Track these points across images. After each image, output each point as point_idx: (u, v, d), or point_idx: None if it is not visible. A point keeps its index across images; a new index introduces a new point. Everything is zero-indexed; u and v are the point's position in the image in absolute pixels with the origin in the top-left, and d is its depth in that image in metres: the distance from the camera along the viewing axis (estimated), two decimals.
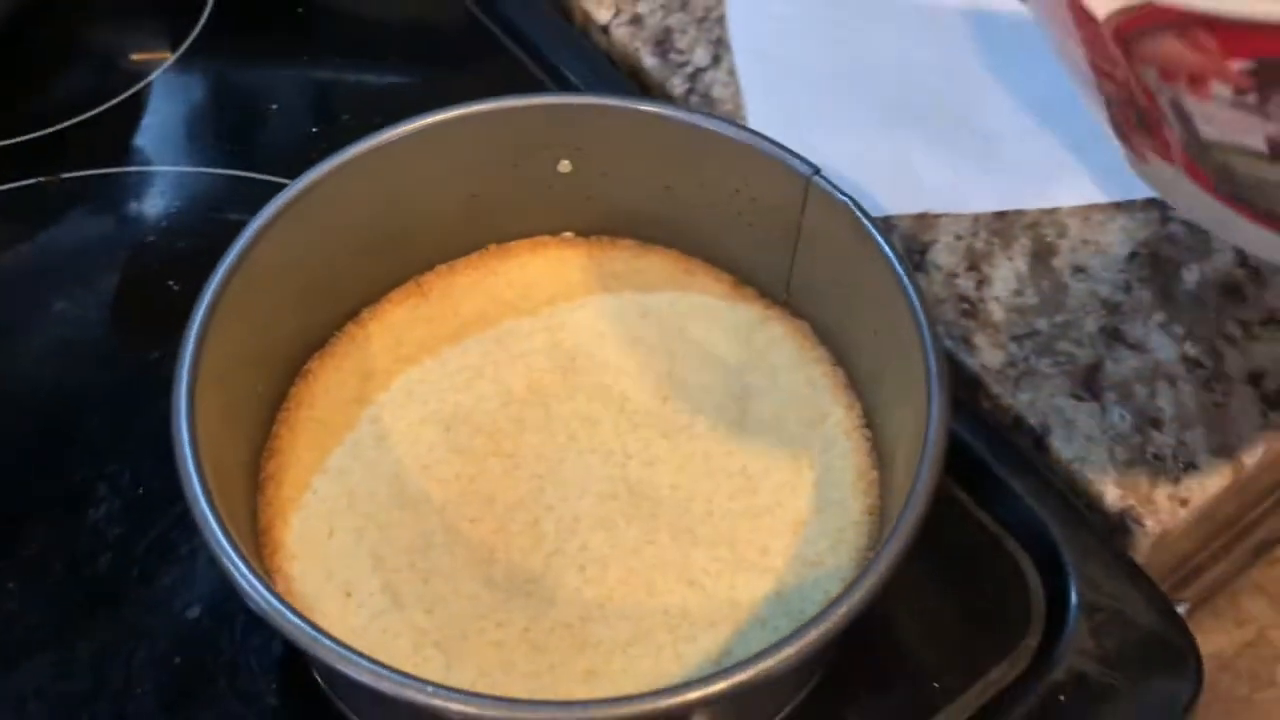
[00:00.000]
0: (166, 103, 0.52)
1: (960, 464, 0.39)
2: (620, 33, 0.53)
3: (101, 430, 0.41)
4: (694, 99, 0.50)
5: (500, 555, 0.35)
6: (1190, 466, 0.40)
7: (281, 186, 0.48)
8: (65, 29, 0.54)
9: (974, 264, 0.45)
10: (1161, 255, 0.45)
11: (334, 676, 0.34)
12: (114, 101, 0.51)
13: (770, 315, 0.40)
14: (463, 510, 0.36)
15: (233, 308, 0.34)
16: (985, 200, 0.47)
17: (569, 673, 0.33)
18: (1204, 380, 0.42)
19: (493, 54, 0.53)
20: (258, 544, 0.35)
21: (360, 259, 0.39)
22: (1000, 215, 0.47)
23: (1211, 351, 0.43)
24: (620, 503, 0.36)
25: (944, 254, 0.46)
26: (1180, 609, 0.38)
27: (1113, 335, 0.43)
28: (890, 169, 0.48)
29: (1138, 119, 0.29)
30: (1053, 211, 0.47)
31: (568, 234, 0.42)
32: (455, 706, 0.26)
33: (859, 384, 0.38)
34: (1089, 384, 0.42)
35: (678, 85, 0.51)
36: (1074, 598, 0.37)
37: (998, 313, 0.44)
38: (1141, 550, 0.40)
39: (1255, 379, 0.42)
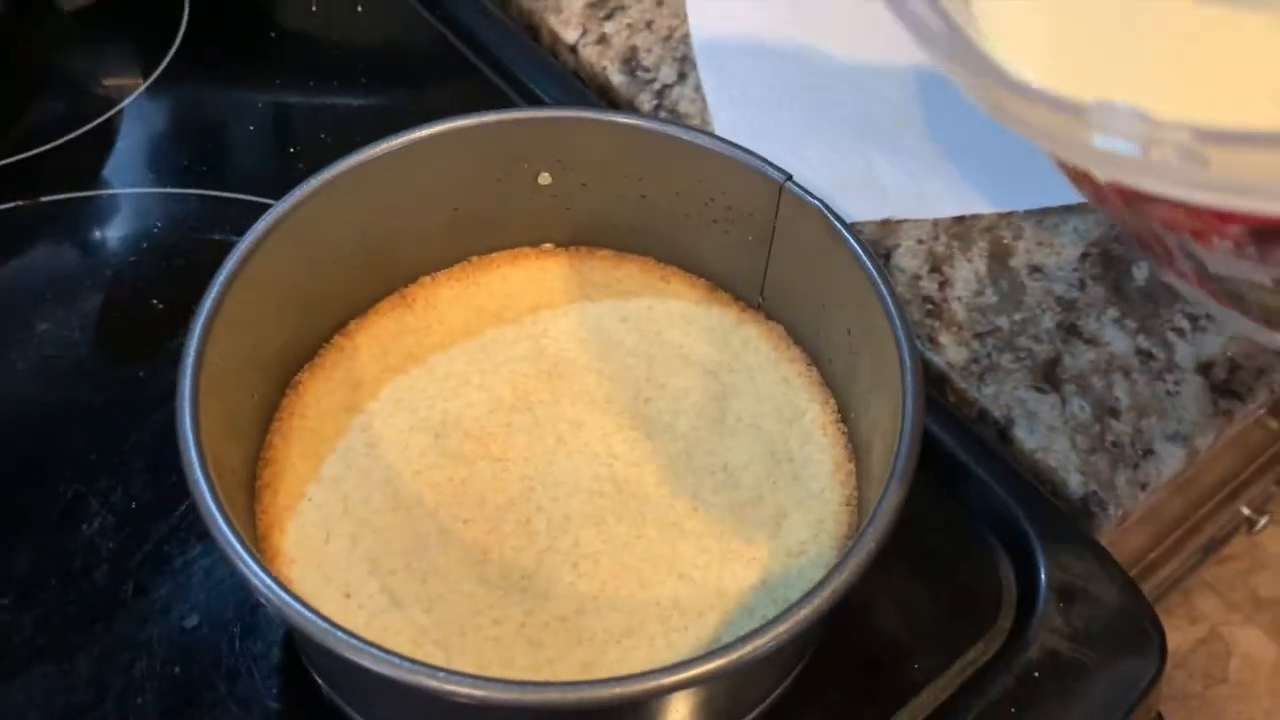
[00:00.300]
0: (144, 126, 0.53)
1: (931, 456, 0.40)
2: (588, 52, 0.54)
3: (91, 447, 0.42)
4: (662, 114, 0.52)
5: (494, 554, 0.36)
6: (1148, 452, 0.42)
7: (261, 206, 0.49)
8: (41, 56, 0.55)
9: (936, 266, 0.47)
10: (1112, 254, 0.47)
11: (340, 673, 0.35)
12: (91, 125, 0.52)
13: (745, 318, 0.42)
14: (455, 512, 0.37)
15: (228, 321, 0.35)
16: (945, 206, 0.49)
17: (566, 664, 0.34)
18: (1157, 371, 0.44)
19: (463, 74, 0.55)
20: (257, 550, 0.35)
21: (347, 272, 0.40)
22: (959, 219, 0.49)
23: (1163, 344, 0.45)
24: (609, 500, 0.37)
25: (907, 257, 0.48)
26: None
27: (1069, 330, 0.45)
28: (853, 178, 0.50)
29: (1149, 248, 0.31)
30: (1008, 215, 0.49)
31: (547, 245, 0.43)
32: (465, 690, 0.27)
33: (833, 381, 0.40)
34: (1049, 377, 0.44)
35: (646, 101, 0.52)
36: (1043, 579, 0.39)
37: (960, 312, 0.46)
38: (1105, 533, 0.42)
39: (1205, 369, 0.44)
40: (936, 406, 0.43)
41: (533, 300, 0.42)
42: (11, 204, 0.49)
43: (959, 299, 0.46)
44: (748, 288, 0.42)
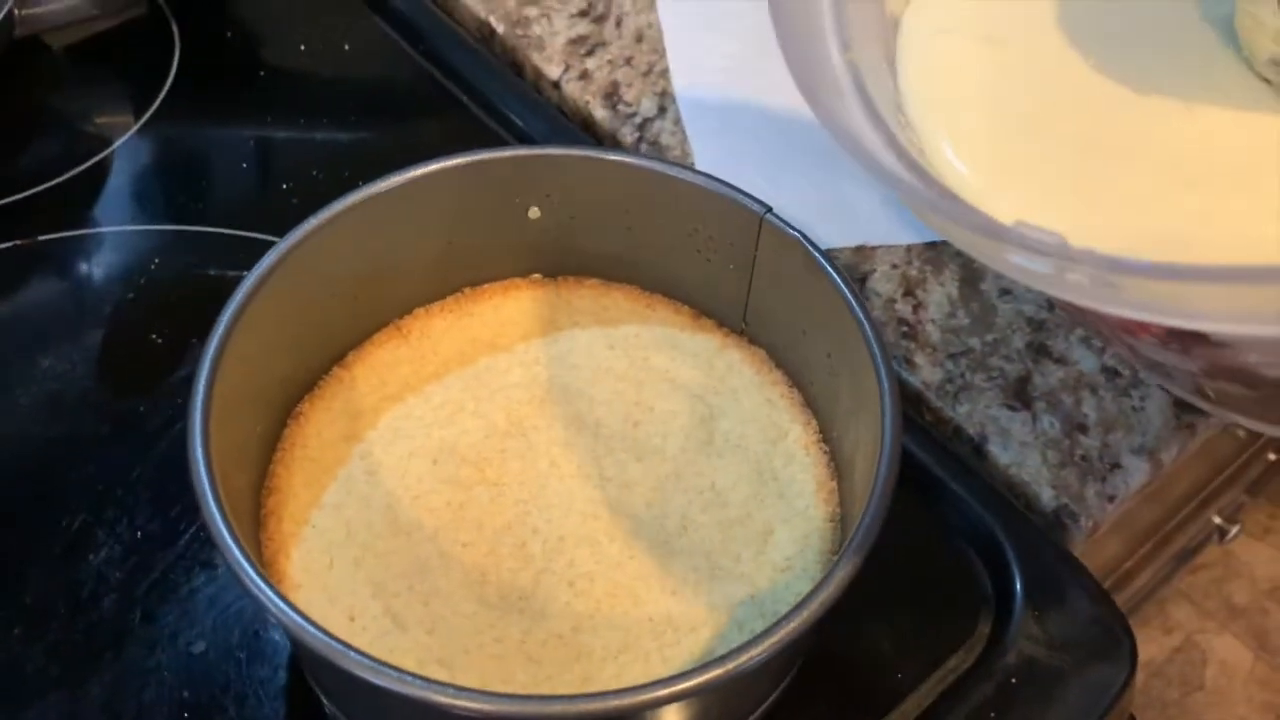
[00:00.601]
0: (138, 164, 0.54)
1: (910, 473, 0.42)
2: (571, 87, 0.56)
3: (97, 479, 0.43)
4: (644, 147, 0.54)
5: (492, 576, 0.37)
6: (1115, 466, 0.44)
7: (255, 241, 0.50)
8: (34, 96, 0.56)
9: (910, 290, 0.49)
10: None
11: (347, 693, 0.36)
12: (85, 165, 0.53)
13: (729, 343, 0.43)
14: (454, 536, 0.38)
15: (235, 354, 0.36)
16: (916, 232, 0.51)
17: (565, 680, 0.35)
18: (1122, 387, 0.46)
19: (449, 109, 0.56)
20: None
21: (345, 305, 0.41)
22: (931, 245, 0.51)
23: (1128, 362, 0.47)
24: (602, 522, 0.39)
25: (882, 282, 0.49)
26: None
27: (1039, 350, 0.47)
28: (828, 206, 0.51)
29: (1089, 325, 0.33)
30: None
31: (536, 275, 0.45)
32: (474, 705, 0.28)
33: (815, 402, 0.41)
34: (1020, 395, 0.46)
35: (628, 134, 0.54)
36: (1019, 589, 0.41)
37: (934, 334, 0.48)
38: (1078, 544, 0.43)
39: None
40: (913, 425, 0.45)
41: (524, 329, 0.44)
42: (10, 244, 0.50)
43: (933, 321, 0.48)
44: (731, 314, 0.44)
